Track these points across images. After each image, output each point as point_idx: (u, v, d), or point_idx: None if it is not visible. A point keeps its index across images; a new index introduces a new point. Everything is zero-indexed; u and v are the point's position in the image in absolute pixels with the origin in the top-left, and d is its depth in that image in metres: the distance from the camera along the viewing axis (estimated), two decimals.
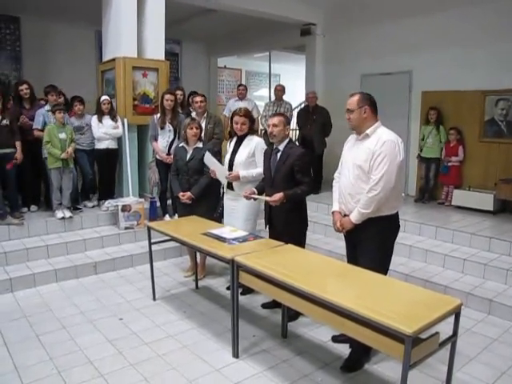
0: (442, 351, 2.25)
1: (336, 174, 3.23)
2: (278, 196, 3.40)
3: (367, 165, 2.85)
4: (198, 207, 4.20)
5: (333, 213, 3.15)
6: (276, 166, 3.52)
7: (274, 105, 7.03)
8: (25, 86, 5.31)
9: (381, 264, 2.91)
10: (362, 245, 2.97)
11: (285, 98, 7.23)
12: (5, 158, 4.76)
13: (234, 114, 3.93)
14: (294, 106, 9.57)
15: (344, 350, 3.09)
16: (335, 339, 3.24)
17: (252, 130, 4.02)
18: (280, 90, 7.10)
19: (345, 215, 3.02)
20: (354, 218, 2.91)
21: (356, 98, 2.94)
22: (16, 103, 5.33)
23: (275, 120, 3.50)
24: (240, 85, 7.71)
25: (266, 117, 6.88)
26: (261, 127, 7.08)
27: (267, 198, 3.50)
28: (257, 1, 7.12)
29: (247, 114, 3.90)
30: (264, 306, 3.81)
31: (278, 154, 3.52)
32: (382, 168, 2.79)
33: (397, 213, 3.00)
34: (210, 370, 2.87)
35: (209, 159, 4.03)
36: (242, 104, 6.99)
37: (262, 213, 3.83)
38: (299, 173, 3.42)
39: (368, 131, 2.90)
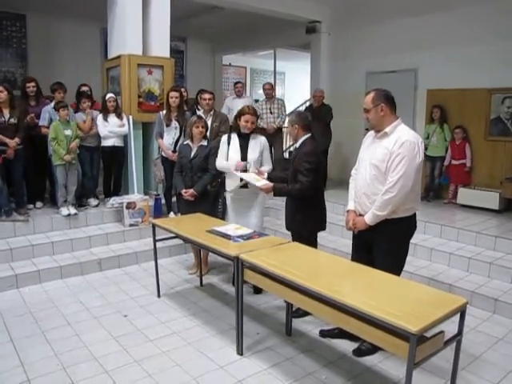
0: (446, 350, 2.24)
1: (353, 171, 3.18)
2: (267, 185, 3.54)
3: (384, 165, 2.77)
4: (200, 205, 4.21)
5: (347, 211, 3.12)
6: (292, 164, 3.59)
7: (266, 103, 6.92)
8: (32, 83, 5.32)
9: (394, 266, 2.87)
10: (375, 246, 2.94)
11: (289, 96, 7.20)
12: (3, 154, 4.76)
13: (245, 112, 3.91)
14: (298, 104, 9.60)
15: (349, 347, 3.09)
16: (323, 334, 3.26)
17: (254, 128, 4.06)
18: (269, 89, 7.00)
19: (359, 215, 2.98)
20: (369, 219, 2.87)
21: (371, 96, 2.85)
22: (22, 100, 5.34)
23: (287, 123, 3.60)
24: (237, 82, 7.64)
25: (261, 116, 6.85)
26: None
27: (258, 185, 3.59)
28: None
29: (256, 113, 3.98)
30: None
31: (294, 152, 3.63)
32: (399, 170, 2.71)
33: (414, 214, 2.94)
34: (214, 367, 2.87)
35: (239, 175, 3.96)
36: (240, 101, 6.97)
37: (269, 210, 3.85)
38: (299, 171, 3.44)
39: (387, 130, 2.81)
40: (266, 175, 3.80)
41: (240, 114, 3.97)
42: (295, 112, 3.71)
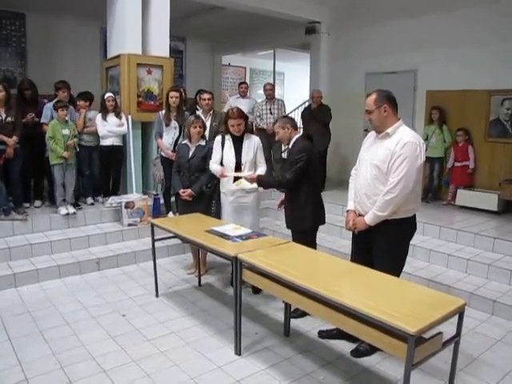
0: (444, 351, 2.24)
1: (353, 171, 3.18)
2: (251, 175, 3.75)
3: (385, 166, 2.77)
4: (197, 205, 4.21)
5: (347, 211, 3.12)
6: (286, 164, 3.68)
7: (267, 104, 6.91)
8: (29, 91, 5.32)
9: (394, 267, 2.87)
10: (375, 247, 2.94)
11: (288, 96, 7.20)
12: (3, 154, 4.75)
13: (229, 117, 3.92)
14: (298, 105, 9.60)
15: (347, 348, 3.09)
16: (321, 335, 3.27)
17: (247, 129, 4.06)
18: (270, 90, 6.98)
19: (359, 215, 2.98)
20: (369, 219, 2.86)
21: (373, 97, 2.84)
22: (19, 99, 5.32)
23: (275, 128, 3.77)
24: (242, 82, 7.65)
25: (261, 116, 6.85)
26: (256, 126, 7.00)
27: (244, 175, 3.79)
28: None
29: (241, 115, 3.93)
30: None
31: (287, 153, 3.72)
32: (401, 170, 2.72)
33: (414, 215, 2.94)
34: (212, 367, 2.87)
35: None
36: (243, 102, 6.98)
37: (267, 211, 3.88)
38: (288, 167, 3.54)
39: (389, 130, 2.81)
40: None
41: (225, 118, 3.99)
42: (280, 117, 3.86)
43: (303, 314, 3.50)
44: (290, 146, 3.63)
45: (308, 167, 3.49)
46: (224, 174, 3.93)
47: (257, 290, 3.99)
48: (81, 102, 5.53)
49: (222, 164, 4.03)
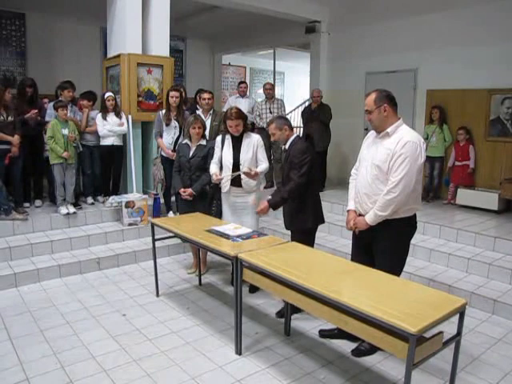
0: (445, 351, 2.24)
1: (353, 171, 3.17)
2: (263, 205, 3.60)
3: (386, 165, 2.77)
4: (198, 204, 4.21)
5: (348, 211, 3.12)
6: (285, 165, 3.62)
7: (266, 103, 6.92)
8: (31, 89, 5.32)
9: (395, 266, 2.87)
10: (375, 246, 2.94)
11: (289, 96, 7.20)
12: (8, 153, 4.78)
13: (227, 117, 3.90)
14: (298, 104, 9.61)
15: (347, 347, 3.09)
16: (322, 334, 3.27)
17: (246, 128, 4.04)
18: (270, 89, 6.97)
19: (360, 215, 2.98)
20: (370, 219, 2.86)
21: (372, 97, 2.83)
22: (19, 97, 5.33)
23: (270, 130, 3.65)
24: (241, 82, 7.65)
25: (261, 115, 6.84)
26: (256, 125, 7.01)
27: (257, 210, 3.71)
28: None
29: (239, 115, 3.89)
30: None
31: (286, 154, 3.64)
32: (401, 170, 2.71)
33: (414, 214, 2.94)
34: (212, 367, 2.87)
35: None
36: (243, 101, 6.98)
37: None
38: (292, 170, 3.48)
39: (389, 130, 2.80)
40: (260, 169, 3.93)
41: (224, 118, 3.99)
42: (275, 117, 3.79)
43: (295, 311, 3.49)
44: (287, 147, 3.60)
45: (310, 168, 3.49)
46: (218, 177, 3.93)
47: (253, 289, 4.00)
48: (84, 102, 5.54)
49: (221, 163, 4.03)
